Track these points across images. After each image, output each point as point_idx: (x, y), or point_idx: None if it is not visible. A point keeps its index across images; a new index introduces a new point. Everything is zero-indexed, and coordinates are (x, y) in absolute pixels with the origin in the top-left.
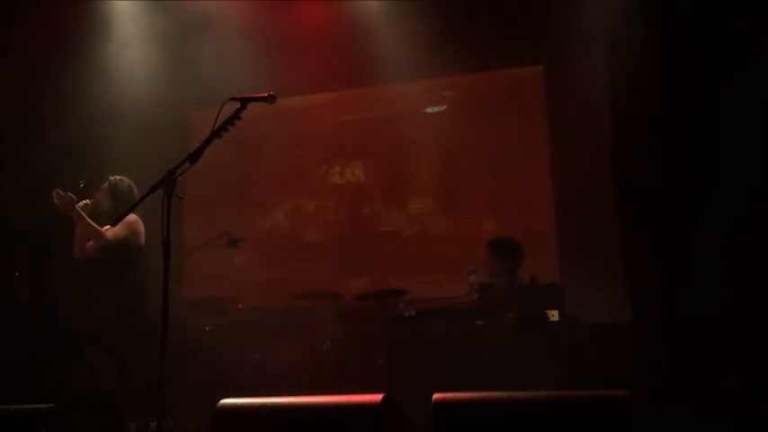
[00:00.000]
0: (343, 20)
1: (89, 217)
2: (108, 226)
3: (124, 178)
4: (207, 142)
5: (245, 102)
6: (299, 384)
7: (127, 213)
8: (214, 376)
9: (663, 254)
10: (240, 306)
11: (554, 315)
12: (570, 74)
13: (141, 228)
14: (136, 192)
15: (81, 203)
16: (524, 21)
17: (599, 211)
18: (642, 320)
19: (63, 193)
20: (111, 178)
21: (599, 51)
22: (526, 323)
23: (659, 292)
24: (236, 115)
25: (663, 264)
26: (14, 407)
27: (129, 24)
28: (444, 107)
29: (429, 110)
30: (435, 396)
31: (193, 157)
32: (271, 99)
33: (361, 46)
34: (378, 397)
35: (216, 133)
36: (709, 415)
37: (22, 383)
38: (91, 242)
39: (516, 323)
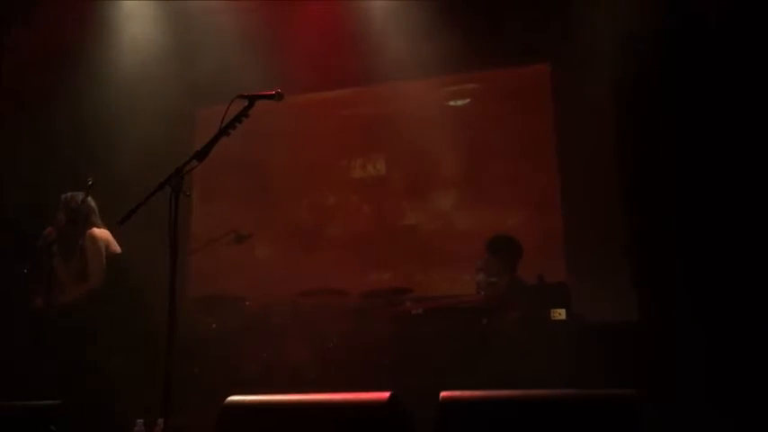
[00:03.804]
0: (357, 17)
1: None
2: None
3: (76, 193)
4: (215, 140)
5: (252, 99)
6: (305, 382)
7: (135, 210)
8: (221, 373)
9: (669, 253)
10: (247, 303)
11: (561, 314)
12: (576, 73)
13: (106, 236)
14: (92, 203)
15: (46, 231)
16: (530, 18)
17: (606, 209)
18: (649, 319)
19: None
20: (63, 196)
21: (605, 50)
22: (532, 322)
23: (666, 290)
24: (244, 113)
25: (669, 263)
26: (23, 403)
27: (135, 23)
28: (468, 100)
29: (452, 103)
30: (442, 394)
31: (201, 155)
32: (278, 97)
33: (378, 43)
34: (385, 395)
35: (224, 131)
36: (716, 414)
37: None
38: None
39: (522, 322)
